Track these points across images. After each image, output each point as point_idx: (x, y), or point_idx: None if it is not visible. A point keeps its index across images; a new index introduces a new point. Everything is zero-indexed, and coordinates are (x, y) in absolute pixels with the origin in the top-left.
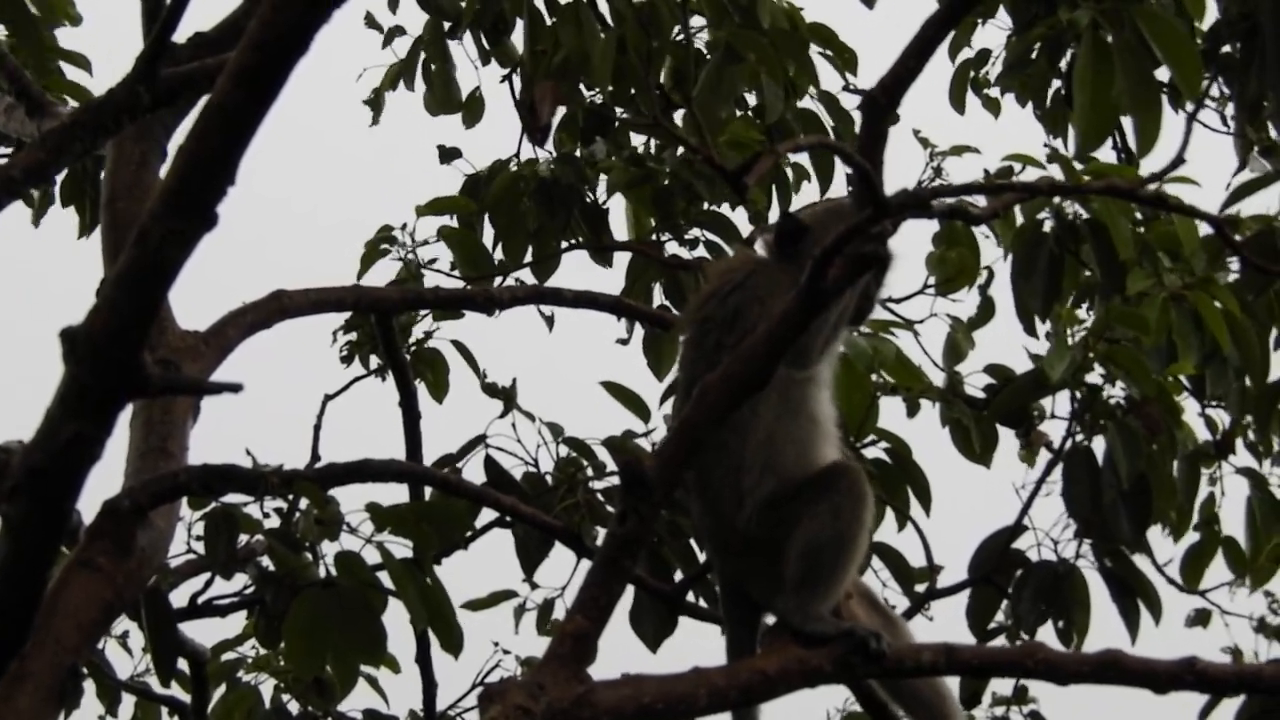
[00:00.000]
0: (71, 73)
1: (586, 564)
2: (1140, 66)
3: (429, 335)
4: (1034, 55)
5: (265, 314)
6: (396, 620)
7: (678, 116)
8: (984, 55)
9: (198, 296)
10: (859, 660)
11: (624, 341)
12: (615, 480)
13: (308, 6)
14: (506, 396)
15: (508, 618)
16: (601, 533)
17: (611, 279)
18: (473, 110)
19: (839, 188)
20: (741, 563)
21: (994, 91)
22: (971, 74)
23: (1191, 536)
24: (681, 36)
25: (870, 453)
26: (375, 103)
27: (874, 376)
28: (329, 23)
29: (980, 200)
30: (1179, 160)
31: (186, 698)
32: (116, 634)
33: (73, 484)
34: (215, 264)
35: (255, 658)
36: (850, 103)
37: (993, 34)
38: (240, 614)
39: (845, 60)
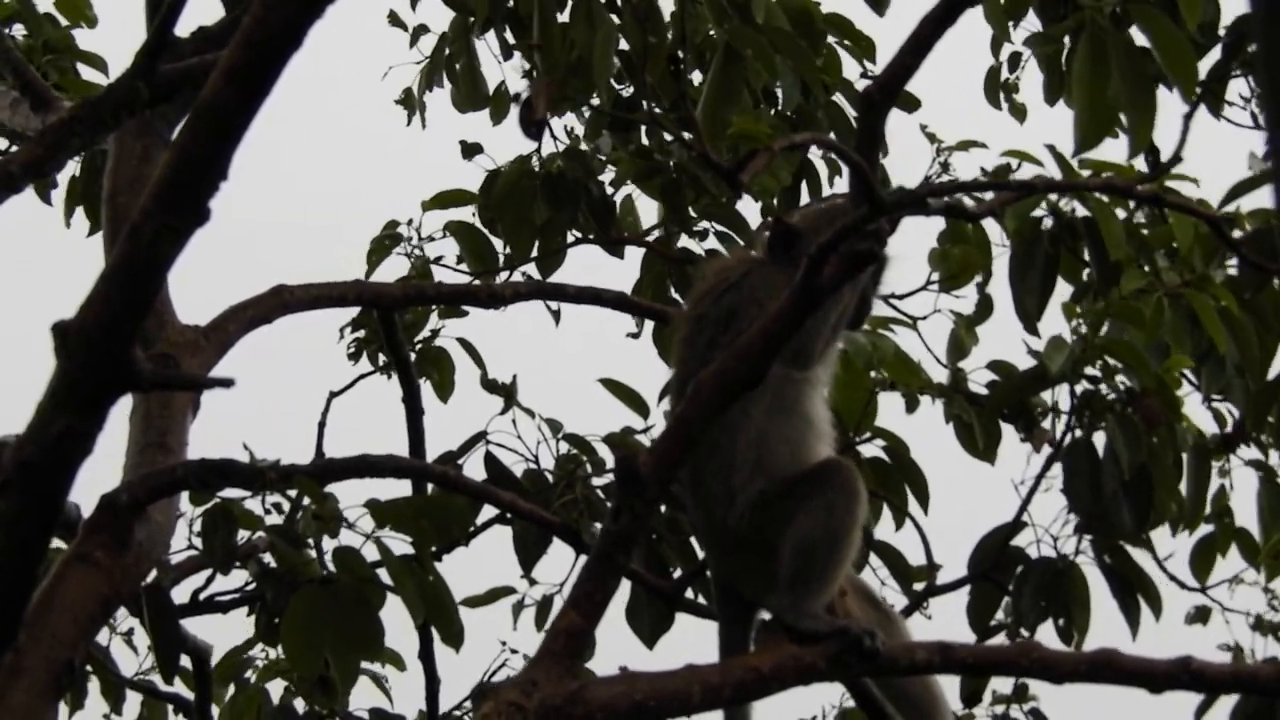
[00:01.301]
0: (87, 73)
1: (585, 560)
2: (1135, 66)
3: (435, 334)
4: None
5: (266, 309)
6: (402, 617)
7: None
8: (1015, 58)
9: (200, 290)
10: (853, 658)
11: (635, 335)
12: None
13: (301, 6)
14: (507, 393)
15: (511, 615)
16: (599, 528)
17: (617, 272)
18: (500, 106)
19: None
20: (734, 561)
21: (1020, 97)
22: (1004, 78)
23: (1202, 529)
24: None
25: (868, 450)
26: (408, 102)
27: (873, 373)
28: (322, 19)
29: (984, 195)
30: (1176, 158)
31: (191, 695)
32: (122, 631)
33: (64, 478)
34: (218, 258)
35: (266, 663)
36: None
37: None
38: (244, 612)
39: (863, 48)
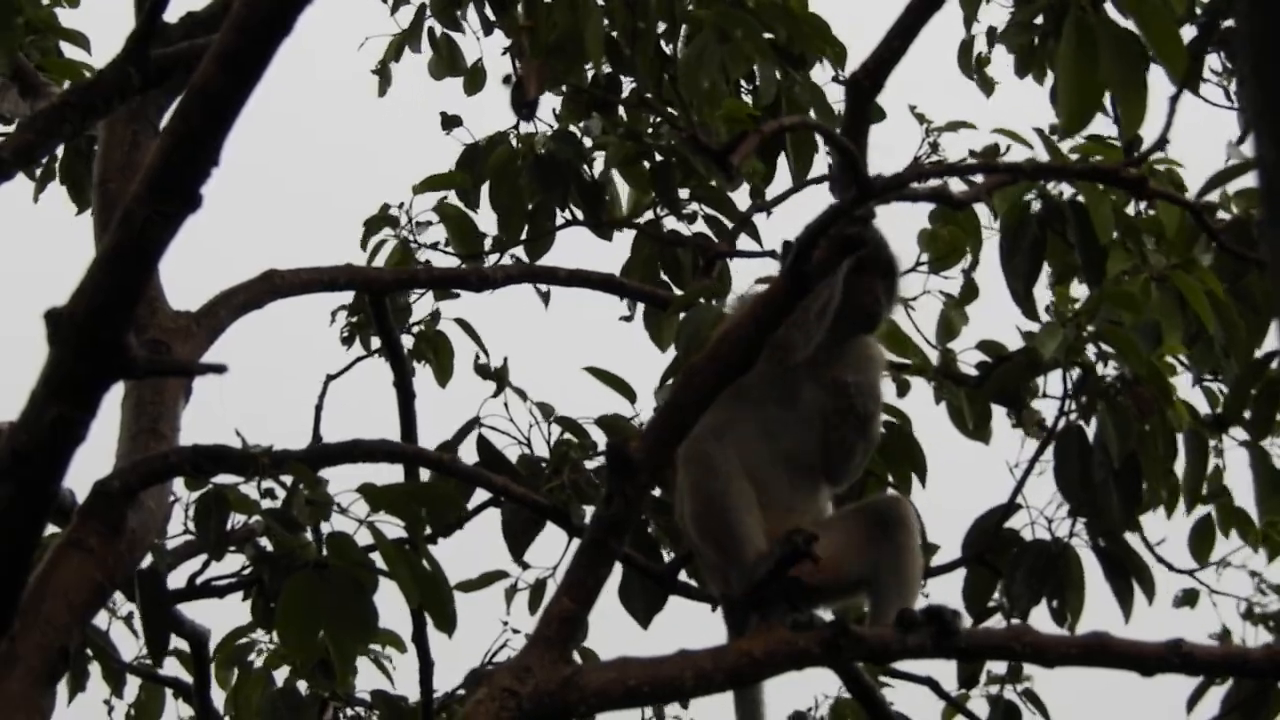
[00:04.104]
0: (70, 51)
1: (577, 545)
2: (1123, 46)
3: (435, 318)
4: (1039, 24)
5: (257, 294)
6: (399, 599)
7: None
8: (992, 32)
9: (191, 274)
10: (845, 642)
11: (628, 318)
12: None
13: None
14: (498, 377)
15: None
16: (589, 511)
17: (607, 255)
18: (475, 79)
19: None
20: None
21: (992, 70)
22: (978, 52)
23: (1199, 511)
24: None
25: None
26: (382, 73)
27: None
28: (312, 3)
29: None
30: (1162, 142)
31: (190, 679)
32: (122, 615)
33: (57, 466)
34: (212, 243)
35: (272, 649)
36: (837, 94)
37: (998, 12)
38: (240, 597)
39: (836, 54)
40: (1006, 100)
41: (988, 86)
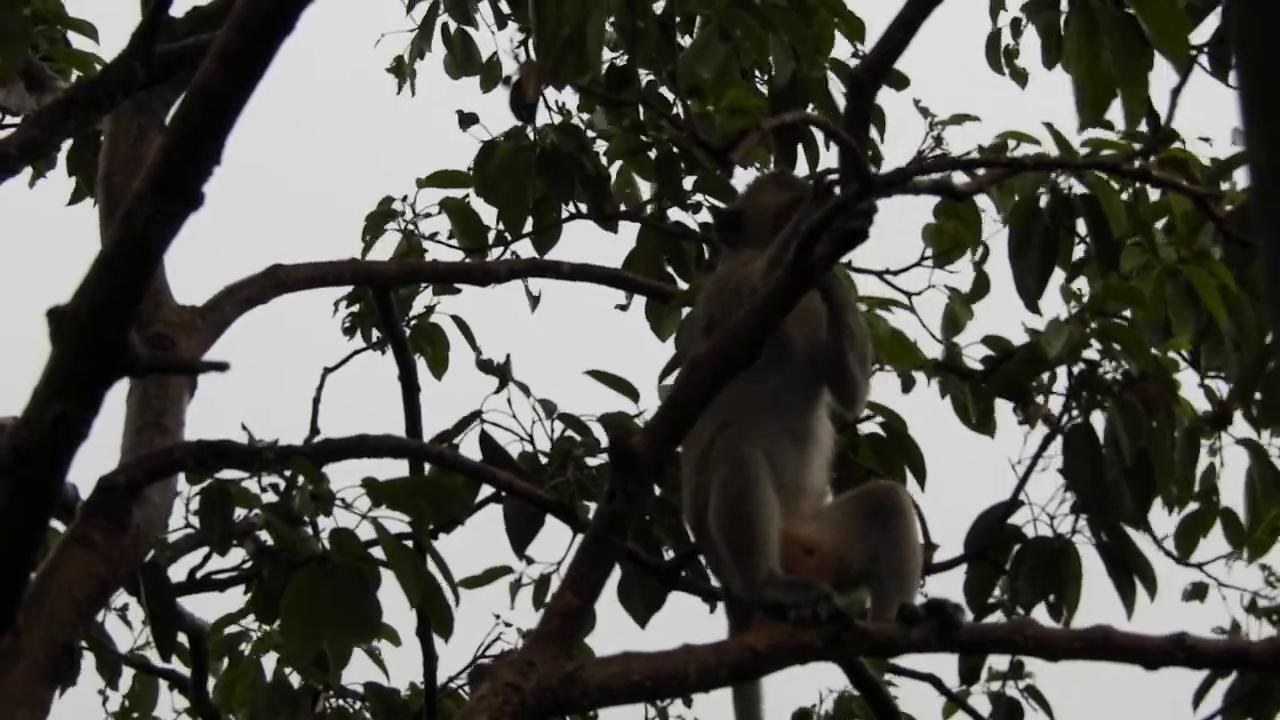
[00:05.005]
0: (78, 41)
1: (580, 541)
2: (1124, 37)
3: (430, 310)
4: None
5: (262, 289)
6: (398, 591)
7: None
8: (1017, 23)
9: (195, 274)
10: (849, 637)
11: (623, 307)
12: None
13: None
14: (501, 373)
15: (509, 594)
16: (593, 508)
17: (611, 248)
18: (490, 74)
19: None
20: (705, 552)
21: (1021, 62)
22: (1005, 43)
23: (1189, 507)
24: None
25: (865, 426)
26: (399, 70)
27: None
28: (314, 2)
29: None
30: (1169, 134)
31: (187, 671)
32: (116, 607)
33: (59, 463)
34: (214, 243)
35: (260, 636)
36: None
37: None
38: (241, 590)
39: (853, 29)
40: (1032, 93)
41: (1020, 78)
